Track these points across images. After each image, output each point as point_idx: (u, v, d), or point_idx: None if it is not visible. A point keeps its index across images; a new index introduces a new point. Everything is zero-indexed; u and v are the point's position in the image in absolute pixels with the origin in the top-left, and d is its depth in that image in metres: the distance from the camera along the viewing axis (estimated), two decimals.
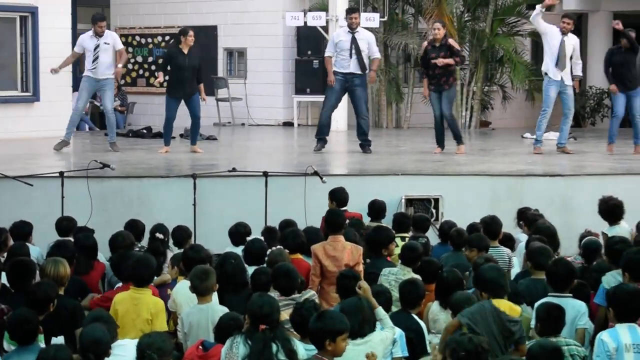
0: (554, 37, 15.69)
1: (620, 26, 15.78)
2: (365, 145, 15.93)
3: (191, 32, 15.26)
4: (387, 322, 7.15)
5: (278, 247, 9.11)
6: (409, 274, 8.66)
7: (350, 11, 16.19)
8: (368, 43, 15.78)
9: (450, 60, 15.38)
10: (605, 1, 25.35)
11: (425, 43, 15.89)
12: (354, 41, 15.64)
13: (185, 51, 15.19)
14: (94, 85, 15.74)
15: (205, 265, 8.01)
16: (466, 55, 22.10)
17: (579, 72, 15.95)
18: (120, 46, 15.85)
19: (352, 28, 15.78)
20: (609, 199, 10.58)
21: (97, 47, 15.51)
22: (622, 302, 6.91)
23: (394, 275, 8.73)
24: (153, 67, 23.36)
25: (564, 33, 15.70)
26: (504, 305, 7.40)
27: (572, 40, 15.81)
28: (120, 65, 15.86)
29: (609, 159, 15.37)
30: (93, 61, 15.51)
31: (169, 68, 15.51)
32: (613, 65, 15.88)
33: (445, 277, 8.19)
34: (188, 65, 15.15)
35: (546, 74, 15.81)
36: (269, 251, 8.99)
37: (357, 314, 6.80)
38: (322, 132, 15.90)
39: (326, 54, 15.98)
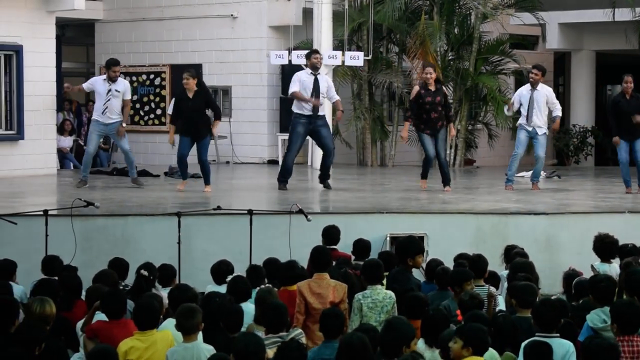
0: (523, 97, 15.87)
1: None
2: (325, 179, 15.96)
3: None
4: None
5: (267, 285, 9.08)
6: (381, 290, 8.93)
7: (316, 52, 16.30)
8: (328, 86, 15.92)
9: None
10: (587, 40, 25.54)
11: (417, 87, 15.73)
12: (316, 82, 15.71)
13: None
14: (103, 129, 15.96)
15: (191, 303, 7.97)
16: (450, 93, 22.22)
17: (557, 112, 15.95)
18: (128, 96, 16.09)
19: (315, 69, 15.83)
20: (605, 236, 10.50)
21: (109, 91, 15.77)
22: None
23: (369, 298, 8.87)
24: (137, 106, 23.36)
25: (533, 85, 15.75)
26: None
27: (544, 92, 15.85)
28: (124, 124, 16.13)
29: (592, 197, 15.39)
30: (104, 104, 15.75)
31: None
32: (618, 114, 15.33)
33: (432, 316, 8.14)
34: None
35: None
36: (257, 289, 8.95)
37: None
38: (287, 175, 15.95)
39: (295, 89, 15.85)
